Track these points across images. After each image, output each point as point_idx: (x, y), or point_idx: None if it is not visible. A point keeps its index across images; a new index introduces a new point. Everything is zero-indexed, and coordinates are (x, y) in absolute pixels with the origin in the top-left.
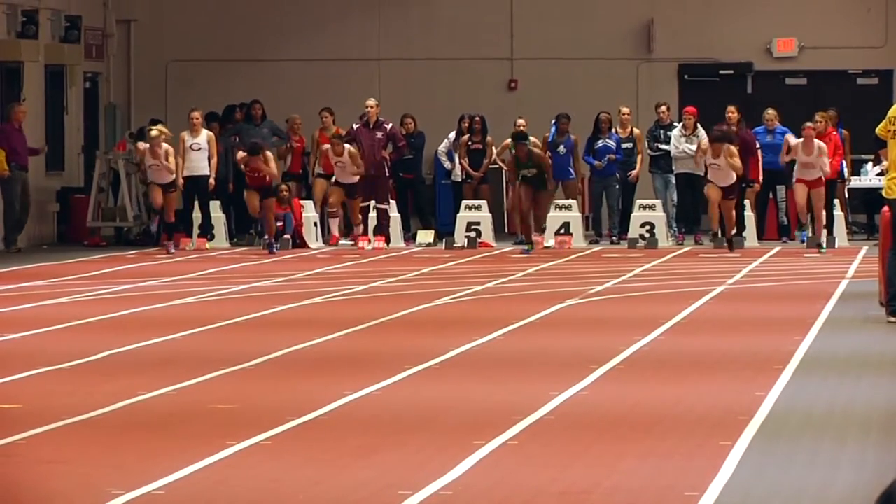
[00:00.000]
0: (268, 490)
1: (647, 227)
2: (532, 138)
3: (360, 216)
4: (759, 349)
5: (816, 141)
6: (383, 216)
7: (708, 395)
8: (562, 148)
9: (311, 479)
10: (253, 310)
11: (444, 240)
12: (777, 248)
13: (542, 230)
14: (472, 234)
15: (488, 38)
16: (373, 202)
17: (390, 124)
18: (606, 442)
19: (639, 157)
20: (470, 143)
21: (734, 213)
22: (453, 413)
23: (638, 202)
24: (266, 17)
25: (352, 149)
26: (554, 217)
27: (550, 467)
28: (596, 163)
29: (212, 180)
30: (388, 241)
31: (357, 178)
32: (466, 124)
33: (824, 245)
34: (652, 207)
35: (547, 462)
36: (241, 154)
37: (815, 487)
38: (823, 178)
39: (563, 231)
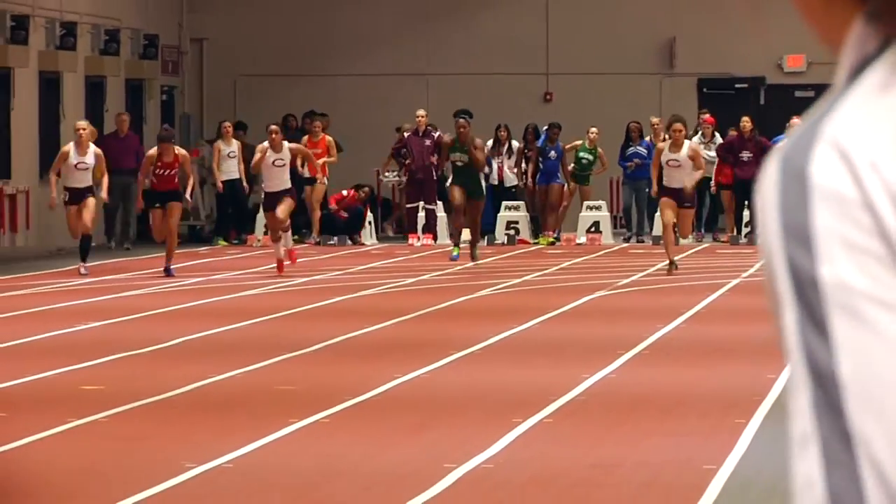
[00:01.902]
0: (326, 464)
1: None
2: (478, 140)
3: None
4: (770, 336)
5: None
6: (431, 216)
7: (724, 377)
8: (553, 153)
9: (365, 453)
10: (312, 300)
11: (485, 237)
12: None
13: (476, 242)
14: (511, 231)
15: (526, 55)
16: (421, 203)
17: (437, 132)
18: (633, 420)
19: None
20: (526, 150)
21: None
22: (494, 394)
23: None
24: (326, 36)
25: (297, 146)
26: (585, 217)
27: (582, 443)
28: (628, 164)
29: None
30: (435, 238)
31: (289, 184)
32: (504, 133)
33: None
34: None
35: (579, 438)
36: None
37: None
38: None
39: (593, 229)
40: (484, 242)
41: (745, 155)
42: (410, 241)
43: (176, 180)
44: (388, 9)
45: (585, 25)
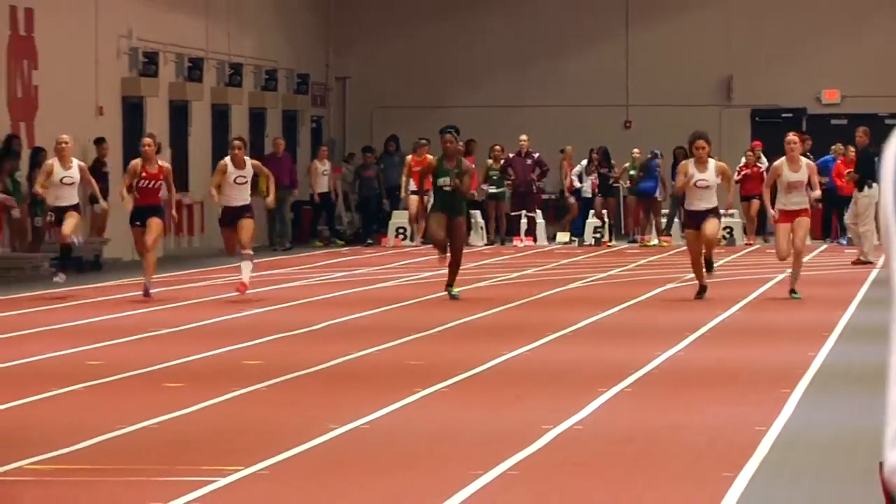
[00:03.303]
0: (445, 425)
1: (727, 230)
2: (471, 165)
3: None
4: (811, 320)
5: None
6: (532, 222)
7: (772, 355)
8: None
9: (477, 417)
10: (433, 291)
11: (576, 240)
12: (824, 246)
13: (457, 265)
14: (598, 235)
15: (610, 90)
16: (524, 211)
17: (537, 154)
18: (697, 390)
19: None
20: (599, 168)
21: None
22: (583, 368)
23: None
24: (446, 75)
25: (258, 163)
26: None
27: (655, 409)
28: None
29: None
30: (535, 240)
31: (249, 200)
32: (596, 156)
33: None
34: (731, 215)
35: (653, 405)
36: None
37: (853, 422)
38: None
39: (665, 232)
40: (575, 244)
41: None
42: (515, 242)
43: (159, 195)
44: (497, 52)
45: (658, 65)
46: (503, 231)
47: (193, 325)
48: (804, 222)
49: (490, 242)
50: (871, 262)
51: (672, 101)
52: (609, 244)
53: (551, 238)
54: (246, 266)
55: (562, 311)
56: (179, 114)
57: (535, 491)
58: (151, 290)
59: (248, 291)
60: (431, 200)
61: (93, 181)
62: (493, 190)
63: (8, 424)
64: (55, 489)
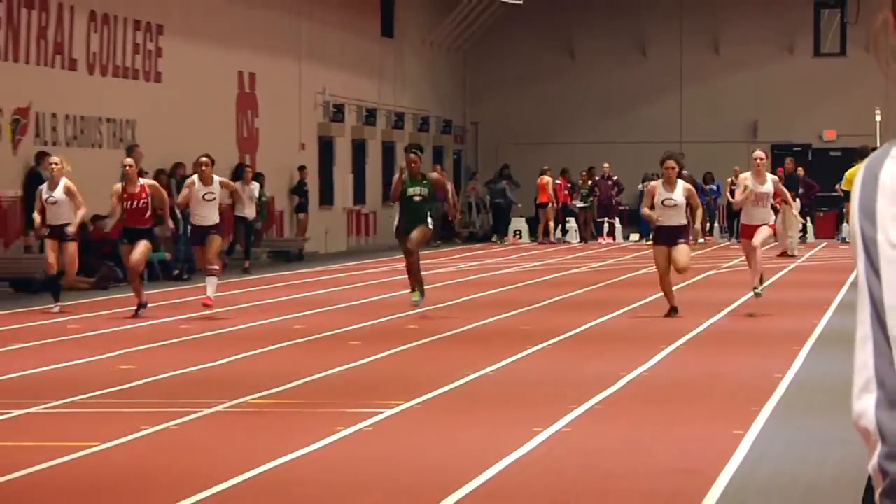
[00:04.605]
0: (548, 374)
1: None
2: (434, 173)
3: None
4: (813, 298)
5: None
6: (612, 226)
7: (785, 322)
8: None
9: (570, 367)
10: (540, 276)
11: (645, 238)
12: (825, 243)
13: (417, 267)
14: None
15: (667, 130)
16: (606, 218)
17: (616, 177)
18: (730, 348)
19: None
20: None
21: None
22: (650, 330)
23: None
24: (552, 119)
25: (227, 181)
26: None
27: (701, 361)
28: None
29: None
30: (614, 239)
31: (217, 219)
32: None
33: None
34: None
35: (700, 358)
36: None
37: (851, 370)
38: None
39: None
40: (644, 242)
41: (799, 190)
42: (599, 240)
43: (146, 215)
44: (587, 103)
45: (703, 112)
46: (590, 233)
47: (369, 300)
48: (765, 229)
49: (582, 240)
50: (794, 256)
51: (713, 138)
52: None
53: (625, 238)
54: (210, 281)
55: (633, 290)
56: (359, 149)
57: (615, 420)
58: (142, 309)
59: (213, 309)
60: (397, 215)
61: (81, 205)
62: (583, 204)
63: (236, 371)
64: (268, 418)
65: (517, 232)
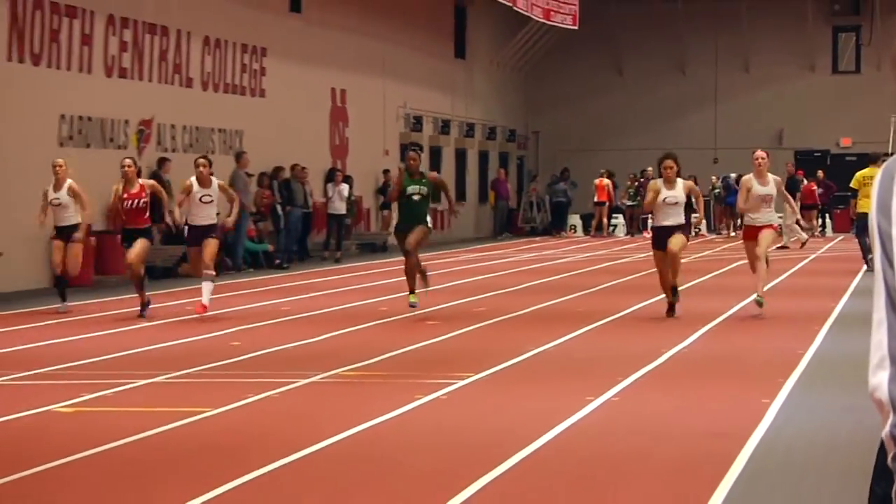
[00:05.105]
0: (597, 350)
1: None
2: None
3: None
4: (831, 284)
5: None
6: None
7: (806, 304)
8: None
9: (617, 345)
10: (592, 265)
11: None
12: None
13: (419, 271)
14: (697, 230)
15: (704, 138)
16: (650, 214)
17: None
18: (755, 329)
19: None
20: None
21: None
22: (689, 312)
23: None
24: (600, 129)
25: (225, 185)
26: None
27: (731, 339)
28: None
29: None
30: None
31: (214, 220)
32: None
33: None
34: (698, 229)
35: (729, 337)
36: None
37: (866, 346)
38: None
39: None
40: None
41: (819, 190)
42: (644, 234)
43: (145, 215)
44: (634, 115)
45: (735, 122)
46: (636, 227)
47: (444, 285)
48: (767, 233)
49: (629, 234)
50: (787, 247)
51: (744, 145)
52: (703, 235)
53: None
54: (206, 286)
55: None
56: (435, 155)
57: (658, 390)
58: (146, 308)
59: (206, 313)
60: (396, 213)
61: (86, 206)
62: (631, 202)
63: (329, 347)
64: (357, 387)
65: (573, 227)
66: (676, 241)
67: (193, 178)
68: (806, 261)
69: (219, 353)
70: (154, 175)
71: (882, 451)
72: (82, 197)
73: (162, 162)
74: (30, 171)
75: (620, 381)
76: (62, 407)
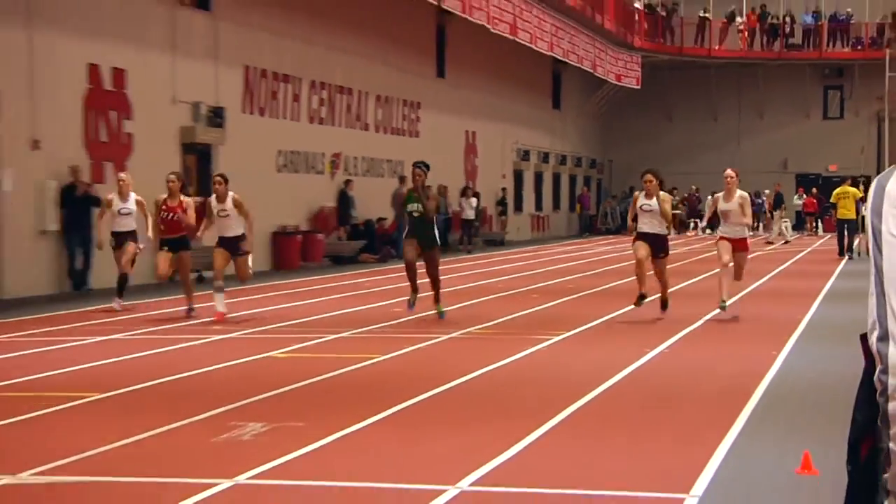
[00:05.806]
0: (645, 317)
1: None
2: (433, 191)
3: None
4: (821, 270)
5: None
6: (696, 224)
7: (801, 284)
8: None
9: (666, 312)
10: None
11: (711, 231)
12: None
13: (438, 298)
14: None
15: (728, 163)
16: (694, 219)
17: (699, 194)
18: (769, 300)
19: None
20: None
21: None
22: (710, 289)
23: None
24: (663, 157)
25: (240, 200)
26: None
27: (753, 309)
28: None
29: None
30: (697, 234)
31: (241, 231)
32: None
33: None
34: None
35: (750, 307)
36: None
37: (861, 312)
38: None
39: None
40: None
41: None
42: (688, 233)
43: (182, 226)
44: (683, 146)
45: (752, 150)
46: (677, 228)
47: (543, 269)
48: (743, 257)
49: (677, 233)
50: (772, 243)
51: (759, 169)
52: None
53: (702, 231)
54: (219, 297)
55: (712, 263)
56: (538, 178)
57: (695, 345)
58: (194, 307)
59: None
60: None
61: (148, 215)
62: (676, 211)
63: (463, 314)
64: (482, 342)
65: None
66: (661, 263)
67: (213, 197)
68: (802, 253)
69: (385, 317)
70: (342, 192)
71: (863, 384)
72: (145, 207)
73: (347, 182)
74: (257, 192)
75: (669, 338)
76: (279, 353)
